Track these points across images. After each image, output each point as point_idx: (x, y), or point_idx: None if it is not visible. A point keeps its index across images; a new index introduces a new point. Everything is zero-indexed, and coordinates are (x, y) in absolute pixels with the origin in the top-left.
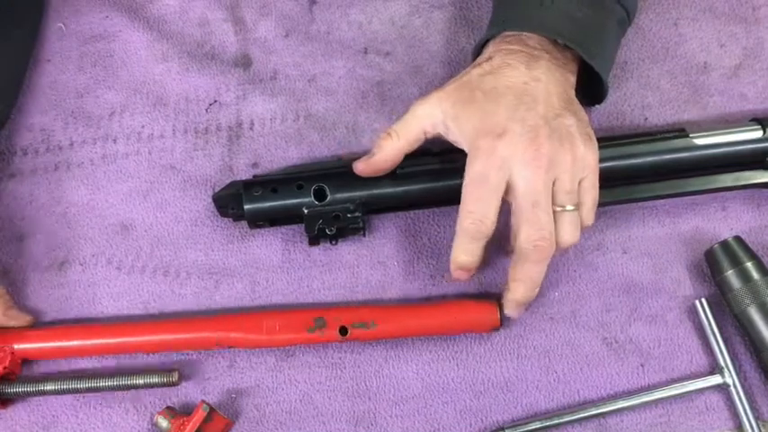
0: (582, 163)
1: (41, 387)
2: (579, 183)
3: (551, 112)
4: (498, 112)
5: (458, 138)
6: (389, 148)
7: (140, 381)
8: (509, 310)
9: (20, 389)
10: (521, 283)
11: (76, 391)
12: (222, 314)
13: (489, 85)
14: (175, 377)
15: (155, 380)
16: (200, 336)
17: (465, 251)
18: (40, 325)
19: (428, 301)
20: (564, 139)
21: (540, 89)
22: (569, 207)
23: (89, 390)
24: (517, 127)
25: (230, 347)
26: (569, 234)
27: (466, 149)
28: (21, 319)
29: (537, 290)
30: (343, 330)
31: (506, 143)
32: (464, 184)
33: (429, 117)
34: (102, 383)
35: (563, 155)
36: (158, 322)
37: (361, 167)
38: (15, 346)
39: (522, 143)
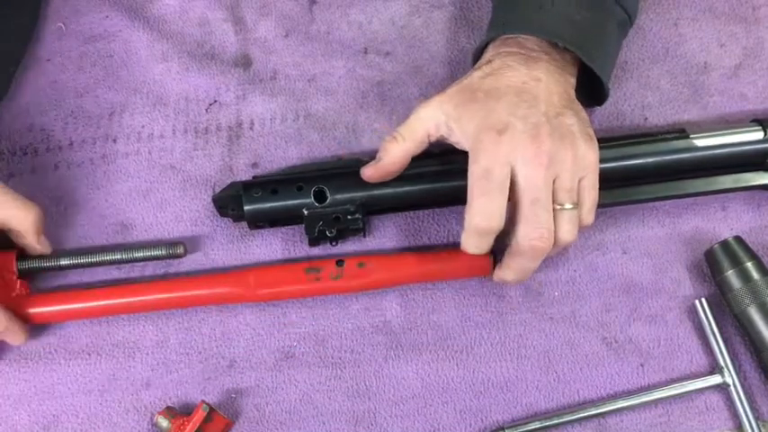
0: (582, 162)
1: (58, 262)
2: (579, 182)
3: (552, 110)
4: (499, 110)
5: (460, 138)
6: (396, 151)
7: (147, 253)
8: (497, 280)
9: (38, 264)
10: (512, 271)
11: (90, 264)
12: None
13: (490, 86)
14: (181, 249)
15: (161, 252)
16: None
17: (475, 246)
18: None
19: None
20: (565, 137)
21: (541, 88)
22: (568, 205)
23: (101, 263)
24: (519, 124)
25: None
26: (568, 233)
27: (468, 149)
28: (45, 247)
29: (527, 277)
30: (340, 262)
31: (508, 139)
32: (469, 182)
33: (432, 119)
34: (112, 257)
35: (564, 153)
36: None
37: (369, 173)
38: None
39: (524, 140)
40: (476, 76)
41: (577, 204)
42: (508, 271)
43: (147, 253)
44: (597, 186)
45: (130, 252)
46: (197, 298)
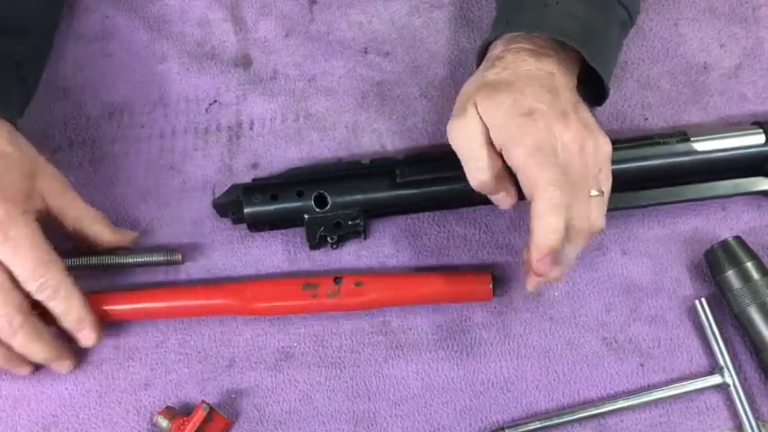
0: (601, 152)
1: None
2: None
3: (571, 103)
4: (525, 98)
5: (490, 130)
6: (490, 179)
7: (146, 258)
8: (533, 286)
9: None
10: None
11: (87, 266)
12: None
13: (510, 79)
14: (179, 257)
15: (160, 258)
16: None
17: (553, 229)
18: None
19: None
20: (587, 127)
21: (557, 81)
22: (594, 192)
23: (98, 266)
24: (547, 109)
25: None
26: (598, 219)
27: (499, 139)
28: (127, 236)
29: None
30: (338, 279)
31: (543, 122)
32: (521, 162)
33: (479, 132)
34: (110, 261)
35: (589, 142)
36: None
37: (505, 206)
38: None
39: (558, 124)
40: (491, 73)
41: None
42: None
43: (146, 258)
44: (610, 179)
45: (128, 257)
46: (193, 308)
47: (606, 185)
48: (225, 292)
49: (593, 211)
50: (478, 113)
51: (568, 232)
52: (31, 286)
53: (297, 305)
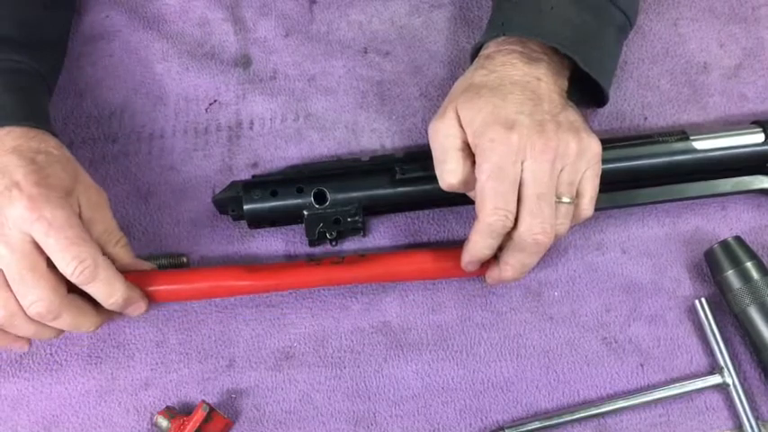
0: (587, 153)
1: None
2: (583, 173)
3: (555, 108)
4: (507, 107)
5: (467, 134)
6: (459, 182)
7: (152, 262)
8: (491, 282)
9: None
10: (511, 267)
11: None
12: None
13: (494, 83)
14: (184, 259)
15: (165, 262)
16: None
17: (486, 246)
18: None
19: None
20: (569, 131)
21: (543, 87)
22: (566, 199)
23: None
24: (526, 120)
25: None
26: (561, 226)
27: (473, 144)
28: (144, 267)
29: (525, 274)
30: (341, 254)
31: (517, 135)
32: (482, 179)
33: (454, 137)
34: None
35: (569, 147)
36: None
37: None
38: None
39: (532, 136)
40: (479, 74)
41: (575, 198)
42: (507, 268)
43: (151, 262)
44: (599, 178)
45: None
46: (197, 291)
47: (590, 185)
48: (229, 272)
49: (558, 218)
50: (458, 118)
51: (523, 243)
52: (67, 268)
53: (300, 279)
